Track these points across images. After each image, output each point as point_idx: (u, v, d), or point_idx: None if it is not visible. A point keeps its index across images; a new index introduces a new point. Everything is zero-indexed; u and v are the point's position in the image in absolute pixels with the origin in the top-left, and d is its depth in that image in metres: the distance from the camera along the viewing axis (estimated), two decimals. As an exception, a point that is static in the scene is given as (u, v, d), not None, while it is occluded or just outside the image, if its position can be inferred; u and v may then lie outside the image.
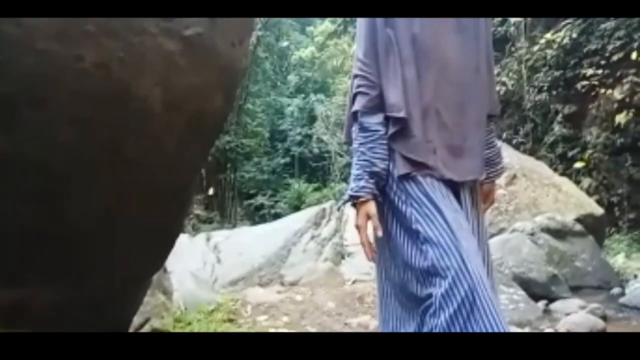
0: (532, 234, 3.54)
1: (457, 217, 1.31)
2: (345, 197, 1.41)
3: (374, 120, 1.37)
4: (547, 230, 3.61)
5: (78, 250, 1.32)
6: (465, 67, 1.39)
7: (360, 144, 1.37)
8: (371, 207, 1.33)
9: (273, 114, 17.20)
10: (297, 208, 14.60)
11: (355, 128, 1.40)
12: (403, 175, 1.34)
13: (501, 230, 5.07)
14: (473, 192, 1.45)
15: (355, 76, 1.40)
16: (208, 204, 11.13)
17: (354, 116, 1.40)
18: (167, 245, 1.70)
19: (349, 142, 1.48)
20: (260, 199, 14.99)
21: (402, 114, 1.33)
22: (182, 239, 4.04)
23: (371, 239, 1.36)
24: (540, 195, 5.37)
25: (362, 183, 1.34)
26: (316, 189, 14.93)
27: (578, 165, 6.88)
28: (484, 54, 1.44)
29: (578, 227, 3.78)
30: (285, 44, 14.55)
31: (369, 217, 1.33)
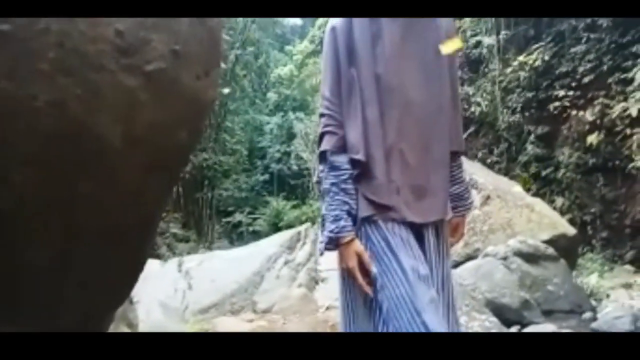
0: (504, 258, 3.56)
1: (416, 265, 1.30)
2: (324, 240, 1.37)
3: (344, 159, 1.35)
4: (520, 254, 3.64)
5: (31, 290, 1.28)
6: (429, 106, 1.38)
7: (332, 183, 1.35)
8: (357, 245, 1.31)
9: (252, 131, 17.17)
10: (275, 225, 14.52)
11: (324, 168, 1.38)
12: (365, 217, 1.32)
13: (476, 251, 5.10)
14: (438, 231, 1.43)
15: (322, 115, 1.39)
16: (185, 222, 10.98)
17: (322, 156, 1.38)
18: (130, 280, 1.66)
19: (319, 182, 1.45)
20: (238, 217, 14.87)
21: (359, 156, 1.32)
22: (153, 266, 3.97)
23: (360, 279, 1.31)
24: (514, 216, 5.43)
25: (342, 223, 1.32)
26: (295, 207, 14.89)
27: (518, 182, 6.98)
28: (448, 93, 1.44)
29: (550, 250, 3.82)
30: (264, 62, 14.61)
31: (358, 256, 1.30)
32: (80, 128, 1.15)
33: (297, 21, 13.76)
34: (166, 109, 1.34)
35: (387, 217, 1.32)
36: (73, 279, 1.42)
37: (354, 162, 1.33)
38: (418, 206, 1.36)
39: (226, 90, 10.60)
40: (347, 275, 1.33)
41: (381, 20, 1.36)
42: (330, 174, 1.36)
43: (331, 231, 1.32)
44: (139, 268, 1.71)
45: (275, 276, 3.66)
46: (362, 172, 1.34)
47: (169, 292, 3.48)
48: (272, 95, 17.32)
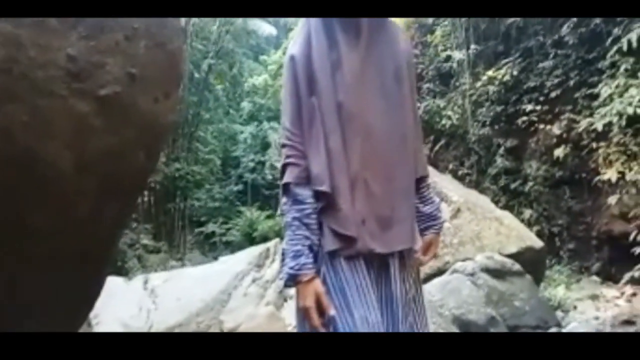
0: (472, 274, 3.60)
1: (367, 314, 1.28)
2: (284, 276, 1.33)
3: (307, 192, 1.32)
4: (487, 270, 3.69)
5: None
6: (392, 134, 1.37)
7: (294, 217, 1.32)
8: (317, 285, 1.28)
9: (226, 141, 17.04)
10: (249, 236, 14.40)
11: (287, 200, 1.35)
12: (330, 252, 1.30)
13: (446, 263, 5.14)
14: (405, 259, 1.42)
15: (284, 146, 1.36)
16: (156, 233, 10.81)
17: (285, 188, 1.35)
18: (85, 305, 1.62)
19: (283, 214, 1.43)
20: (211, 227, 14.71)
21: (324, 187, 1.30)
22: (118, 283, 3.89)
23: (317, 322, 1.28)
24: (484, 229, 5.49)
25: (302, 260, 1.29)
26: (269, 217, 14.79)
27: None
28: (410, 121, 1.43)
29: (516, 266, 3.88)
30: (238, 71, 14.55)
31: (316, 295, 1.27)
32: (29, 155, 1.11)
33: (272, 31, 13.76)
34: (121, 133, 1.31)
35: (351, 254, 1.30)
36: (23, 302, 1.37)
37: (318, 194, 1.31)
38: (384, 236, 1.34)
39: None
40: (303, 314, 1.30)
41: (340, 48, 1.35)
42: (293, 208, 1.32)
43: (291, 268, 1.29)
44: (94, 294, 1.67)
45: (243, 294, 3.61)
46: (327, 203, 1.31)
47: (134, 311, 3.39)
48: (246, 105, 17.25)
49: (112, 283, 3.61)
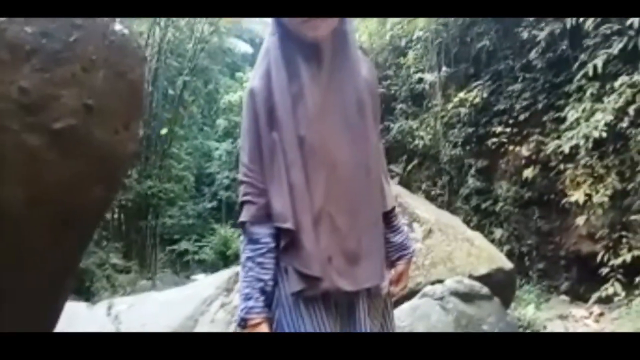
0: (441, 298, 3.61)
1: None
2: (236, 318, 1.31)
3: (264, 231, 1.30)
4: (456, 294, 3.71)
5: None
6: (356, 166, 1.35)
7: (248, 257, 1.29)
8: (264, 330, 1.25)
9: (200, 157, 16.92)
10: (223, 254, 14.23)
11: (243, 239, 1.32)
12: (294, 293, 1.27)
13: (418, 284, 5.15)
14: (372, 296, 1.40)
15: (241, 182, 1.33)
16: (126, 252, 10.59)
17: (242, 227, 1.33)
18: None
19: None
20: (184, 245, 14.50)
21: (288, 225, 1.27)
22: (81, 309, 3.78)
23: None
24: (455, 250, 5.52)
25: (251, 303, 1.26)
26: (243, 235, 14.67)
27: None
28: (374, 153, 1.42)
29: (485, 290, 3.91)
30: (213, 88, 14.54)
31: None
32: (-24, 191, 1.08)
33: (247, 49, 13.81)
34: (77, 166, 1.28)
35: (318, 291, 1.27)
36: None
37: (281, 232, 1.28)
38: (351, 273, 1.31)
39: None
40: None
41: (302, 80, 1.33)
42: (248, 247, 1.30)
43: (241, 310, 1.27)
44: (52, 321, 1.61)
45: (210, 320, 3.53)
46: (290, 242, 1.28)
47: (97, 337, 3.25)
48: (221, 122, 17.17)
49: (75, 309, 3.51)
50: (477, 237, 5.71)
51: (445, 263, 5.43)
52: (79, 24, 1.20)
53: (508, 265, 5.43)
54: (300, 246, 1.27)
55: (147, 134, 10.84)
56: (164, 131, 10.49)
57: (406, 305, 3.44)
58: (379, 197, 1.42)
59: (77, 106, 1.21)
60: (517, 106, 7.05)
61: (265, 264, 1.29)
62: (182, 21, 11.10)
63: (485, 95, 7.38)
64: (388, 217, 1.50)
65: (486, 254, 5.46)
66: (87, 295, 7.63)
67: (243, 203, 1.32)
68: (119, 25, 1.29)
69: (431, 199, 7.90)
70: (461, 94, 7.55)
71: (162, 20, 10.34)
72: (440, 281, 4.99)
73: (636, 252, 5.43)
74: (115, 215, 10.84)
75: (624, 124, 5.48)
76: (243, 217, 1.32)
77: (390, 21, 8.80)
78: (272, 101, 1.32)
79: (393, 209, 1.52)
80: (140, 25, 10.73)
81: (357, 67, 1.40)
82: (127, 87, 1.33)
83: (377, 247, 1.39)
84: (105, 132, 1.29)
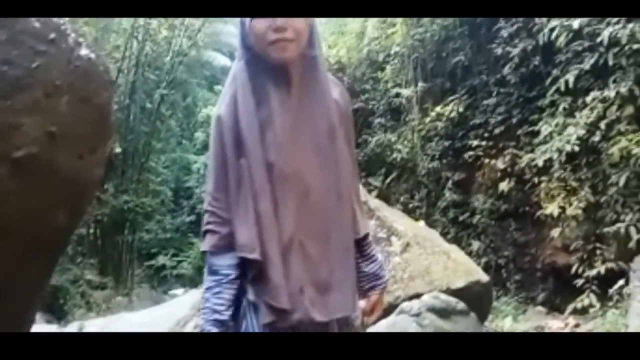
0: (417, 315, 3.62)
1: None
2: None
3: (225, 262, 1.27)
4: (433, 309, 3.72)
5: None
6: (327, 193, 1.33)
7: (207, 288, 1.27)
8: None
9: (179, 171, 16.78)
10: (201, 269, 14.07)
11: (205, 269, 1.30)
12: (266, 324, 1.25)
13: (397, 298, 5.17)
14: (344, 327, 1.38)
15: (206, 211, 1.31)
16: (102, 268, 10.41)
17: (204, 256, 1.31)
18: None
19: None
20: (161, 260, 14.32)
21: (254, 255, 1.24)
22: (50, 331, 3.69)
23: None
24: (432, 263, 5.56)
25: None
26: (222, 249, 14.54)
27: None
28: (346, 178, 1.39)
29: (461, 305, 3.94)
30: (192, 101, 14.49)
31: None
32: None
33: (226, 62, 13.80)
34: (40, 194, 1.25)
35: (289, 323, 1.25)
36: None
37: (249, 262, 1.25)
38: (323, 302, 1.29)
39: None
40: None
41: (271, 105, 1.31)
42: (208, 278, 1.28)
43: None
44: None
45: (184, 341, 3.47)
46: (258, 273, 1.25)
47: None
48: (200, 135, 17.08)
49: (44, 330, 3.42)
50: (454, 250, 5.75)
51: (423, 276, 5.45)
52: (43, 50, 1.18)
53: (484, 278, 5.48)
54: (267, 278, 1.25)
55: (124, 147, 10.72)
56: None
57: (383, 323, 3.43)
58: (351, 224, 1.40)
59: (39, 134, 1.18)
60: (492, 120, 7.16)
61: (222, 295, 1.26)
62: (160, 35, 11.07)
63: (461, 109, 7.48)
64: (361, 245, 1.47)
65: (463, 267, 5.51)
66: (60, 313, 7.46)
67: (205, 232, 1.30)
68: (85, 49, 1.28)
69: (409, 211, 7.94)
70: (438, 108, 7.65)
71: (140, 34, 10.29)
72: (419, 295, 5.02)
73: (610, 264, 5.52)
74: (91, 231, 10.66)
75: (596, 138, 5.60)
76: (204, 246, 1.30)
77: (368, 36, 8.89)
78: (239, 128, 1.30)
79: (367, 236, 1.49)
80: (118, 38, 10.66)
81: (328, 92, 1.38)
82: (92, 111, 1.31)
83: (349, 276, 1.37)
84: (69, 159, 1.27)
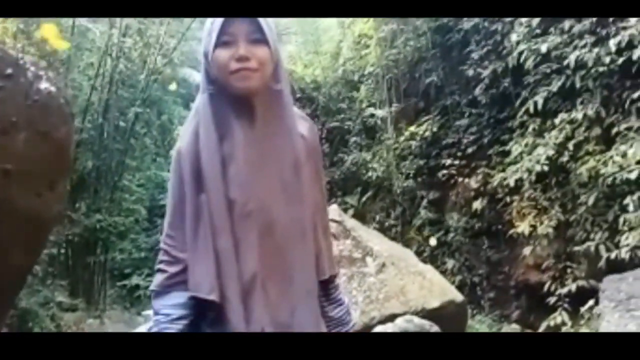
0: (390, 338, 3.61)
1: None
2: None
3: (167, 302, 1.24)
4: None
5: None
6: (291, 230, 1.29)
7: (148, 329, 1.24)
8: None
9: (154, 189, 16.54)
10: (176, 288, 13.84)
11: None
12: None
13: (372, 319, 5.17)
14: None
15: (160, 249, 1.28)
16: (73, 289, 10.14)
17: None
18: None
19: None
20: (135, 280, 14.02)
21: (212, 297, 1.20)
22: None
23: None
24: (408, 283, 5.58)
25: None
26: (197, 268, 14.32)
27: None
28: (312, 217, 1.35)
29: (435, 328, 3.95)
30: (167, 119, 14.36)
31: None
32: None
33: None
34: (-7, 233, 1.22)
35: None
36: None
37: (205, 304, 1.22)
38: None
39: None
40: None
41: (234, 139, 1.27)
42: (153, 318, 1.25)
43: None
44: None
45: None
46: (216, 315, 1.22)
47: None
48: (175, 152, 16.93)
49: None
50: (429, 270, 5.78)
51: (398, 297, 5.46)
52: (-1, 85, 1.16)
53: (459, 297, 5.52)
54: (226, 320, 1.21)
55: (97, 166, 10.55)
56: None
57: (356, 347, 3.40)
58: (315, 264, 1.34)
59: (-7, 172, 1.15)
60: (465, 140, 7.29)
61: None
62: (135, 52, 10.99)
63: (434, 129, 7.60)
64: (327, 288, 1.42)
65: (438, 287, 5.54)
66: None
67: (157, 271, 1.27)
68: (44, 83, 1.26)
69: (385, 230, 7.98)
70: (412, 128, 7.75)
71: (114, 51, 10.21)
72: (394, 315, 5.01)
73: (581, 282, 5.61)
74: (62, 251, 10.41)
75: (565, 158, 5.73)
76: (152, 285, 1.28)
77: (343, 56, 9.00)
78: (200, 162, 1.26)
79: (333, 278, 1.43)
80: (91, 56, 10.55)
81: (294, 127, 1.35)
82: (51, 147, 1.28)
83: (312, 319, 1.32)
84: (26, 196, 1.24)
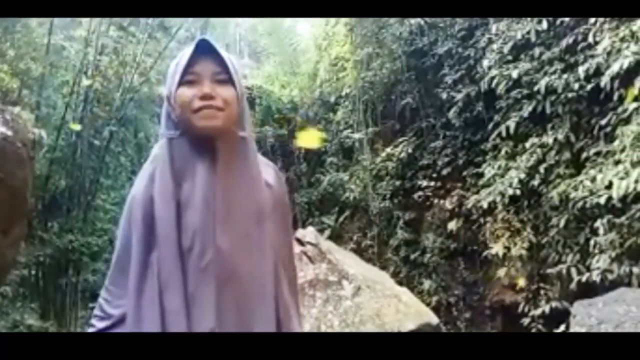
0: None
1: None
2: None
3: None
4: None
5: None
6: (250, 281, 1.21)
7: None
8: None
9: (129, 207, 16.32)
10: (150, 309, 13.57)
11: None
12: None
13: (348, 343, 5.14)
14: None
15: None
16: (43, 312, 9.87)
17: None
18: None
19: None
20: (108, 301, 13.74)
21: None
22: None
23: None
24: (383, 306, 5.58)
25: None
26: (173, 287, 14.08)
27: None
28: (275, 270, 1.27)
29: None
30: (144, 137, 14.19)
31: None
32: None
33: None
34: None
35: None
36: None
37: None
38: None
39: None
40: None
41: (194, 183, 1.20)
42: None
43: None
44: None
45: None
46: None
47: None
48: (151, 170, 16.75)
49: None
50: (405, 292, 5.80)
51: (374, 320, 5.46)
52: (-43, 132, 1.14)
53: (435, 320, 5.54)
54: None
55: (70, 185, 10.36)
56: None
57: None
58: (276, 316, 1.25)
59: (-52, 222, 1.13)
60: (440, 162, 7.39)
61: None
62: (111, 70, 10.90)
63: (410, 150, 7.68)
64: None
65: (414, 310, 5.55)
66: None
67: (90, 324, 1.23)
68: (1, 127, 1.24)
69: (362, 250, 8.00)
70: (388, 149, 7.83)
71: (90, 69, 10.11)
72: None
73: (554, 303, 5.68)
74: (33, 272, 10.15)
75: (536, 182, 5.84)
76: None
77: (320, 78, 9.07)
78: (153, 208, 1.19)
79: None
80: (66, 74, 10.44)
81: (258, 175, 1.29)
82: (6, 193, 1.26)
83: None
84: (-17, 243, 1.21)
